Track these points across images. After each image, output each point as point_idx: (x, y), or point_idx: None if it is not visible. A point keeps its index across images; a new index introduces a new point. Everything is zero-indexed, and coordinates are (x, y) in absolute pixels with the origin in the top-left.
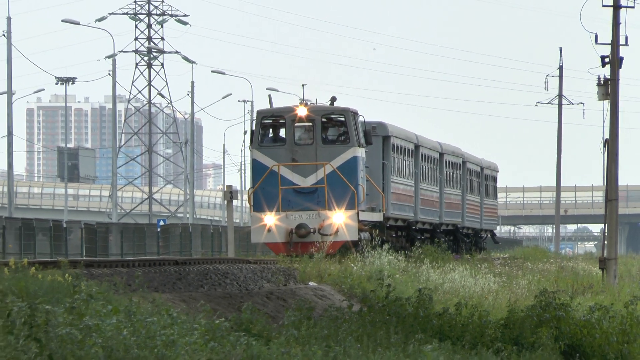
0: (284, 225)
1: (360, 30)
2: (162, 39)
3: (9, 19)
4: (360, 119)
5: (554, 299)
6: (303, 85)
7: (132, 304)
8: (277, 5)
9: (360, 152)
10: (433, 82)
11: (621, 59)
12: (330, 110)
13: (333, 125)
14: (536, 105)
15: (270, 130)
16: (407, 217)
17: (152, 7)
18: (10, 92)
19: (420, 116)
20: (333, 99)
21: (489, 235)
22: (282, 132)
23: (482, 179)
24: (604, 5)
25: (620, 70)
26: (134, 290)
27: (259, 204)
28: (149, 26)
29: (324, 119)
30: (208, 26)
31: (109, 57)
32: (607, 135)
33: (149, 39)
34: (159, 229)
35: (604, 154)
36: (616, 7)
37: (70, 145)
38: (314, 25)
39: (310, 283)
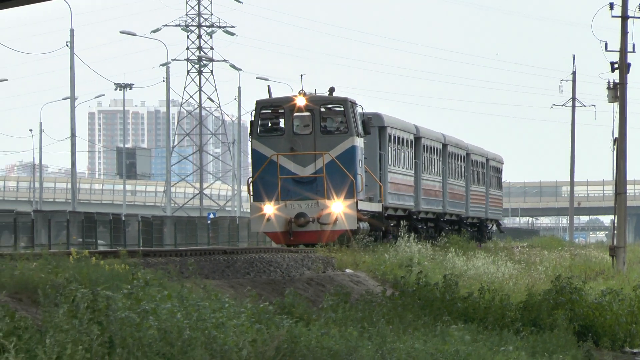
0: (283, 214)
1: (402, 40)
2: (212, 48)
3: (71, 30)
4: (359, 109)
5: (569, 284)
6: (302, 75)
7: (184, 289)
8: (317, 17)
9: (359, 142)
10: (457, 86)
11: (629, 65)
12: (329, 100)
13: (332, 115)
14: (552, 108)
15: (269, 120)
16: (407, 206)
17: (202, 20)
18: (73, 98)
19: (445, 118)
20: (332, 90)
21: (495, 225)
22: (281, 122)
23: (488, 170)
24: (613, 16)
25: (628, 75)
26: (186, 277)
27: (258, 193)
28: (199, 37)
29: (322, 109)
30: (253, 36)
31: (163, 65)
32: (616, 135)
33: (199, 48)
34: (209, 222)
35: (613, 152)
36: (624, 17)
37: (128, 145)
38: (352, 34)
39: (347, 270)
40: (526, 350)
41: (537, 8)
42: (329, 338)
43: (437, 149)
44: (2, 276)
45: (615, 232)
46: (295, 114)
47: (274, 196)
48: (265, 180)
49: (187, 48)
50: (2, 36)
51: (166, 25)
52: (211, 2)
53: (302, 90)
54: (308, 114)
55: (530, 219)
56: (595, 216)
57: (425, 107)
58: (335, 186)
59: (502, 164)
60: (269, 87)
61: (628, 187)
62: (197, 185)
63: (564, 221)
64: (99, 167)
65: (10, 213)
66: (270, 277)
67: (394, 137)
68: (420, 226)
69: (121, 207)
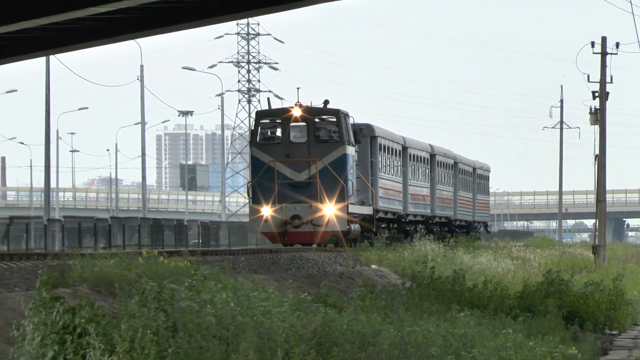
0: (279, 216)
1: (415, 73)
2: (259, 81)
3: (141, 66)
4: (350, 120)
5: (558, 277)
6: (298, 88)
7: (237, 282)
8: (344, 53)
9: (350, 150)
10: (462, 112)
11: (607, 93)
12: (323, 111)
13: (325, 125)
14: (543, 130)
15: (268, 129)
16: (396, 210)
17: (250, 57)
18: (143, 123)
19: (454, 138)
20: (326, 102)
21: (483, 226)
22: (279, 131)
23: (475, 178)
24: (594, 53)
25: (607, 102)
26: (238, 272)
27: (256, 196)
28: (248, 72)
29: (316, 119)
30: (293, 70)
31: (218, 95)
32: (597, 152)
33: (249, 81)
34: None
35: (595, 166)
36: (604, 54)
37: (190, 162)
38: (374, 67)
39: (373, 266)
40: (522, 332)
41: (529, 45)
42: (357, 323)
43: (424, 158)
44: (84, 272)
45: (597, 233)
46: (292, 124)
47: (271, 199)
48: (263, 184)
49: (239, 81)
50: (84, 71)
51: (221, 62)
52: (258, 43)
53: (298, 102)
54: (303, 123)
55: (525, 223)
56: (580, 220)
57: (439, 129)
58: (328, 190)
59: (489, 172)
60: (268, 99)
61: (607, 195)
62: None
63: (553, 224)
64: (165, 180)
65: (91, 219)
66: (308, 272)
67: (384, 146)
68: (408, 228)
69: (184, 214)
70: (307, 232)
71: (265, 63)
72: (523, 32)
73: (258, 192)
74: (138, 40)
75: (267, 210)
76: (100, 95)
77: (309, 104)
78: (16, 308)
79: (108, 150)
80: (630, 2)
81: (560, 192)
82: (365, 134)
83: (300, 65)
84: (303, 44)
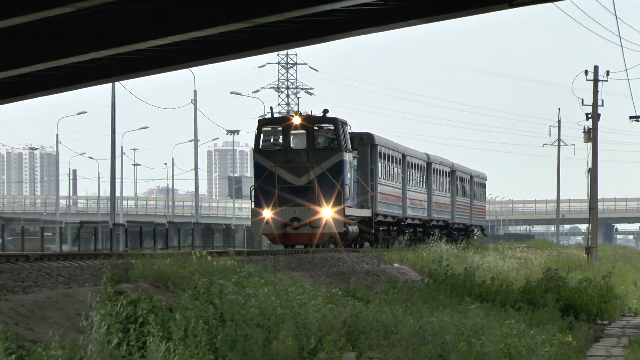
0: (279, 218)
1: (426, 96)
2: (297, 104)
3: (195, 91)
4: (348, 128)
5: (556, 274)
6: (298, 97)
7: (277, 279)
8: (371, 79)
9: (348, 157)
10: (469, 131)
11: (599, 115)
12: (321, 120)
13: (323, 133)
14: (543, 146)
15: (270, 136)
16: (395, 214)
17: (289, 84)
18: (196, 140)
19: (465, 153)
20: (325, 111)
21: (480, 229)
22: (280, 139)
23: (472, 185)
24: (587, 80)
25: (598, 122)
26: (278, 270)
27: (258, 200)
28: (287, 96)
29: (315, 127)
30: (326, 95)
31: (261, 116)
32: (589, 166)
33: (287, 104)
34: None
35: (588, 178)
36: (595, 81)
37: (236, 174)
38: (394, 92)
39: (395, 264)
40: (525, 322)
41: (530, 73)
42: (381, 314)
43: (421, 166)
44: (144, 270)
45: (589, 236)
46: (292, 132)
47: (271, 202)
48: (265, 188)
49: (279, 104)
50: (145, 95)
51: (263, 87)
52: (296, 71)
53: (298, 111)
54: (303, 131)
55: (527, 227)
56: (574, 225)
57: (453, 146)
58: (325, 194)
59: (486, 180)
60: (271, 108)
61: (598, 203)
62: None
63: (552, 228)
64: (215, 190)
65: (151, 224)
66: (339, 269)
67: (384, 154)
68: (406, 230)
69: (231, 219)
70: (306, 234)
71: (302, 89)
72: (524, 61)
73: (260, 196)
74: (192, 68)
75: (268, 213)
76: (158, 116)
77: (298, 111)
78: (85, 301)
79: (165, 164)
80: (619, 36)
81: (558, 200)
82: (366, 142)
83: (332, 89)
84: (334, 71)
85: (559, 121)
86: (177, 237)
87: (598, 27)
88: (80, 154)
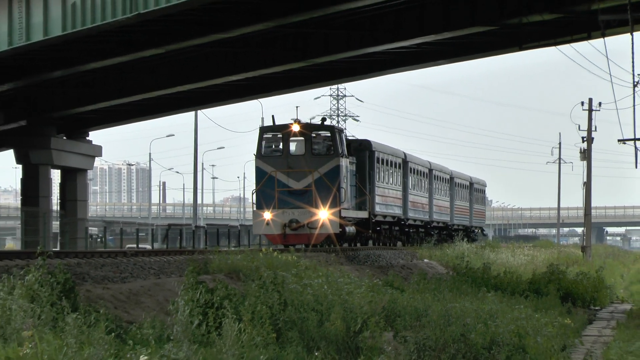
0: (279, 220)
1: (451, 122)
2: (345, 129)
3: (262, 119)
4: (344, 135)
5: (557, 268)
6: (297, 107)
7: (328, 271)
8: (405, 109)
9: (344, 162)
10: (480, 150)
11: (593, 138)
12: (319, 127)
13: (321, 139)
14: (546, 164)
15: (271, 143)
16: (395, 214)
17: (339, 112)
18: None
19: (481, 169)
20: (323, 119)
21: (480, 230)
22: (280, 145)
23: (472, 190)
24: (583, 109)
25: (592, 144)
26: (330, 264)
27: (259, 202)
28: (338, 122)
29: (313, 134)
30: (370, 122)
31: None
32: (585, 180)
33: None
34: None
35: (583, 190)
36: (590, 110)
37: None
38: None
39: (425, 260)
40: (531, 308)
41: (535, 103)
42: (414, 300)
43: (423, 172)
44: (220, 264)
45: (585, 237)
46: (291, 138)
47: (272, 205)
48: (266, 192)
49: None
50: (222, 121)
51: (318, 115)
52: (345, 102)
53: (297, 119)
54: (301, 138)
55: (533, 230)
56: (572, 228)
57: (472, 162)
58: (322, 197)
59: (485, 186)
60: (273, 116)
61: (592, 210)
62: None
63: (553, 231)
64: None
65: (226, 226)
66: (379, 264)
67: (382, 159)
68: (407, 230)
69: None
70: (304, 234)
71: (350, 116)
72: (531, 94)
73: (261, 199)
74: (260, 99)
75: (268, 215)
76: (232, 138)
77: (297, 119)
78: (172, 289)
79: (238, 177)
80: (610, 73)
81: (559, 208)
82: (364, 148)
83: (375, 117)
84: (377, 101)
85: (560, 143)
86: (247, 237)
87: (592, 66)
88: (168, 169)
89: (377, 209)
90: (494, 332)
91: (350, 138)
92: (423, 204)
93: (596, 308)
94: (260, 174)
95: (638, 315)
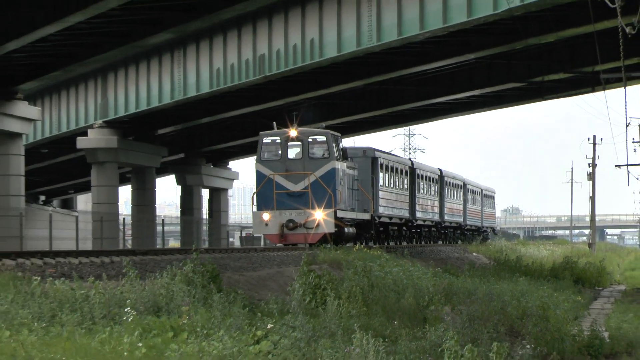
0: (277, 220)
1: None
2: (415, 159)
3: (274, 123)
4: (340, 140)
5: (570, 259)
6: (295, 114)
7: (403, 262)
8: (459, 141)
9: (339, 165)
10: (503, 171)
11: (596, 164)
12: (315, 133)
13: (317, 144)
14: (562, 183)
15: (270, 148)
16: (401, 216)
17: (410, 146)
18: None
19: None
20: (322, 126)
21: (491, 230)
22: (279, 150)
23: (482, 196)
24: (589, 143)
25: (596, 169)
26: (403, 257)
27: (259, 204)
28: (409, 154)
29: (310, 139)
30: (434, 153)
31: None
32: (590, 195)
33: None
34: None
35: (589, 202)
36: (594, 144)
37: None
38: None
39: (473, 253)
40: (552, 288)
41: (553, 137)
42: (466, 283)
43: (433, 178)
44: (325, 257)
45: (591, 237)
46: (289, 143)
47: (271, 206)
48: (265, 194)
49: None
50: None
51: (395, 149)
52: (414, 138)
53: (295, 125)
54: (299, 143)
55: (553, 231)
56: (581, 230)
57: (507, 183)
58: (318, 199)
59: (494, 193)
60: (274, 123)
61: (596, 217)
62: None
63: (568, 232)
64: None
65: None
66: (440, 257)
67: (385, 165)
68: (414, 230)
69: None
70: (301, 234)
71: (418, 149)
72: (551, 132)
73: (260, 201)
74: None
75: (267, 216)
76: None
77: (294, 125)
78: (290, 275)
79: None
80: (608, 116)
81: (571, 215)
82: (367, 155)
83: (437, 149)
84: (438, 137)
85: (572, 168)
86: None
87: (595, 112)
88: None
89: (381, 210)
90: (524, 306)
91: (355, 147)
92: (433, 206)
93: (599, 289)
94: (260, 177)
95: (631, 293)
